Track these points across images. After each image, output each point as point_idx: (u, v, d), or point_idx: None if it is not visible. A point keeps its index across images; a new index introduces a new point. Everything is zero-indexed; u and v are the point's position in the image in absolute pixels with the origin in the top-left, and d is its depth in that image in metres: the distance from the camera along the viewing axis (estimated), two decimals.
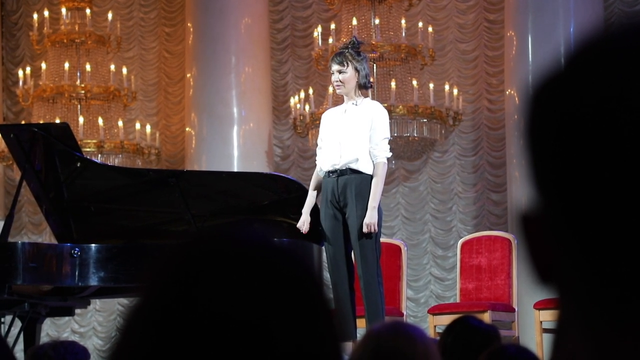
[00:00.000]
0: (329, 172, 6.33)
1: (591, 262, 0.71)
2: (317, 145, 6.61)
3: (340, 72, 6.32)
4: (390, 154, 6.43)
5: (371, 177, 6.25)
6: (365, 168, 6.26)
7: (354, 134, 6.29)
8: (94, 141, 10.50)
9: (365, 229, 6.14)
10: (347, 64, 6.31)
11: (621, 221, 0.70)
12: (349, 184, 6.25)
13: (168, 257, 0.91)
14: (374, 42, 9.81)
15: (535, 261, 0.75)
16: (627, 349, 0.70)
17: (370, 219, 6.15)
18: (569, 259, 0.73)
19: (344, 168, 6.28)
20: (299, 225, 6.38)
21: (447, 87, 10.30)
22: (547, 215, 0.74)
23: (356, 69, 6.32)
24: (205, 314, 0.85)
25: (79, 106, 10.76)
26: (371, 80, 6.60)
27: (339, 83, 6.33)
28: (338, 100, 6.73)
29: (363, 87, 6.39)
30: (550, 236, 0.74)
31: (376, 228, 6.17)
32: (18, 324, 6.71)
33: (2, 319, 6.79)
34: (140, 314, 0.89)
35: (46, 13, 10.92)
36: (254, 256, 0.89)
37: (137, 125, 10.99)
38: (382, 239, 6.83)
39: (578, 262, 0.72)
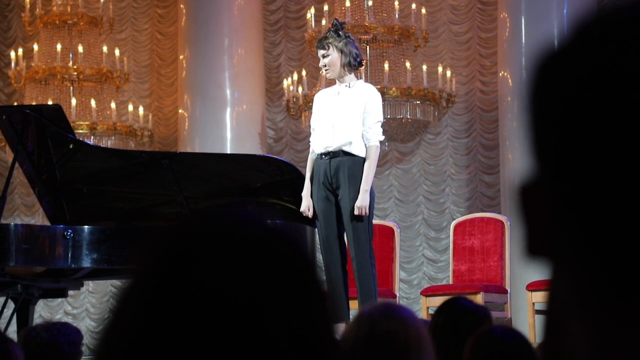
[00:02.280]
0: (322, 154, 6.33)
1: (590, 242, 0.70)
2: (310, 126, 6.61)
3: (324, 56, 6.36)
4: (383, 137, 6.44)
5: (364, 159, 6.25)
6: (358, 151, 6.26)
7: (347, 117, 6.29)
8: (87, 123, 10.48)
9: (356, 212, 6.15)
10: (329, 46, 6.34)
11: (623, 199, 0.68)
12: (342, 166, 6.25)
13: (160, 238, 0.91)
14: (367, 24, 9.80)
15: (530, 233, 0.74)
16: (631, 343, 0.69)
17: (362, 201, 6.16)
18: (567, 236, 0.71)
19: (336, 150, 6.28)
20: (302, 210, 6.36)
21: (440, 69, 10.29)
22: (547, 188, 0.73)
23: (340, 50, 6.34)
24: (197, 295, 0.85)
25: (71, 88, 10.74)
26: (362, 59, 6.59)
27: (326, 67, 6.38)
28: (331, 82, 6.73)
29: (350, 66, 6.38)
30: (548, 210, 0.73)
31: (367, 211, 6.18)
32: (11, 306, 6.72)
33: None
34: (132, 294, 0.89)
35: None
36: (247, 237, 0.89)
37: (130, 107, 10.97)
38: (375, 221, 6.84)
39: (576, 240, 0.71)
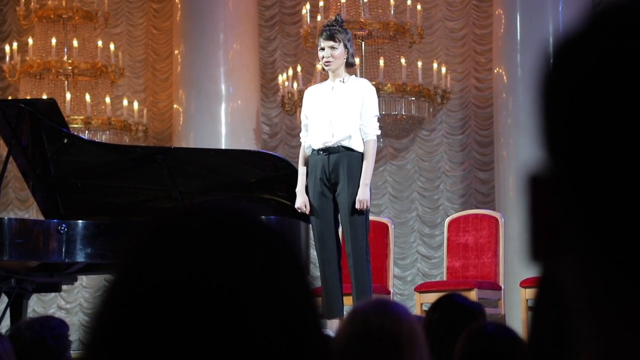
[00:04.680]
0: (319, 149, 6.31)
1: (600, 235, 0.69)
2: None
3: (332, 47, 6.31)
4: (380, 131, 6.43)
5: (362, 154, 6.25)
6: (357, 146, 6.26)
7: (345, 112, 6.28)
8: (81, 117, 10.47)
9: (357, 206, 6.14)
10: (339, 40, 6.32)
11: (636, 192, 0.67)
12: (341, 161, 6.24)
13: (146, 229, 0.91)
14: (362, 20, 9.79)
15: (536, 229, 0.73)
16: (637, 330, 0.68)
17: (363, 195, 6.15)
18: (577, 229, 0.70)
19: (335, 146, 6.27)
20: (299, 206, 6.32)
21: (435, 65, 10.30)
22: (558, 180, 0.71)
23: (345, 47, 6.34)
24: (182, 287, 0.85)
25: (66, 82, 10.72)
26: (356, 59, 6.61)
27: (331, 59, 6.31)
28: (326, 78, 6.72)
29: (348, 64, 6.40)
30: (559, 203, 0.71)
31: (368, 204, 6.18)
32: (4, 300, 6.71)
33: None
34: (117, 287, 0.89)
35: None
36: (234, 229, 0.89)
37: (125, 102, 10.96)
38: (370, 217, 6.84)
39: (586, 233, 0.70)
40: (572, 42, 0.72)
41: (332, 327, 5.99)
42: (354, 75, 6.58)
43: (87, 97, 10.57)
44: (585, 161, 0.69)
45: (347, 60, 6.35)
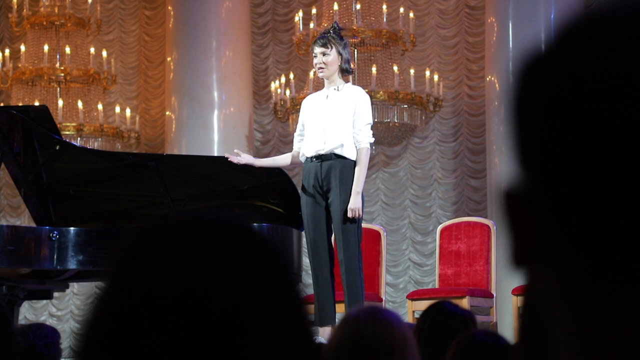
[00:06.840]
0: (312, 157, 6.31)
1: (577, 245, 0.70)
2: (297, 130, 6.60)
3: (324, 54, 6.30)
4: (373, 139, 6.43)
5: (354, 162, 6.24)
6: (349, 153, 6.25)
7: (337, 120, 6.27)
8: (74, 124, 10.46)
9: (349, 214, 6.13)
10: (331, 46, 6.30)
11: (610, 202, 0.68)
12: (333, 169, 6.24)
13: (136, 238, 0.91)
14: (355, 28, 9.81)
15: (516, 240, 0.74)
16: (614, 338, 0.69)
17: (355, 203, 6.15)
18: (552, 239, 0.71)
19: (328, 153, 6.26)
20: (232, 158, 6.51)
21: (427, 73, 10.31)
22: (532, 193, 0.72)
23: (339, 53, 6.32)
24: (170, 296, 0.85)
25: (58, 89, 10.72)
26: (352, 66, 6.59)
27: (323, 65, 6.30)
28: (319, 86, 6.72)
29: (345, 72, 6.40)
30: (534, 215, 0.73)
31: (361, 213, 6.18)
32: None
33: None
34: (107, 296, 0.89)
35: None
36: (223, 238, 0.89)
37: (117, 109, 10.96)
38: (362, 225, 6.84)
39: (561, 243, 0.71)
40: (545, 58, 0.73)
41: (324, 334, 5.99)
42: (349, 83, 6.57)
43: (80, 104, 10.56)
44: (560, 175, 0.70)
45: (341, 66, 6.34)
